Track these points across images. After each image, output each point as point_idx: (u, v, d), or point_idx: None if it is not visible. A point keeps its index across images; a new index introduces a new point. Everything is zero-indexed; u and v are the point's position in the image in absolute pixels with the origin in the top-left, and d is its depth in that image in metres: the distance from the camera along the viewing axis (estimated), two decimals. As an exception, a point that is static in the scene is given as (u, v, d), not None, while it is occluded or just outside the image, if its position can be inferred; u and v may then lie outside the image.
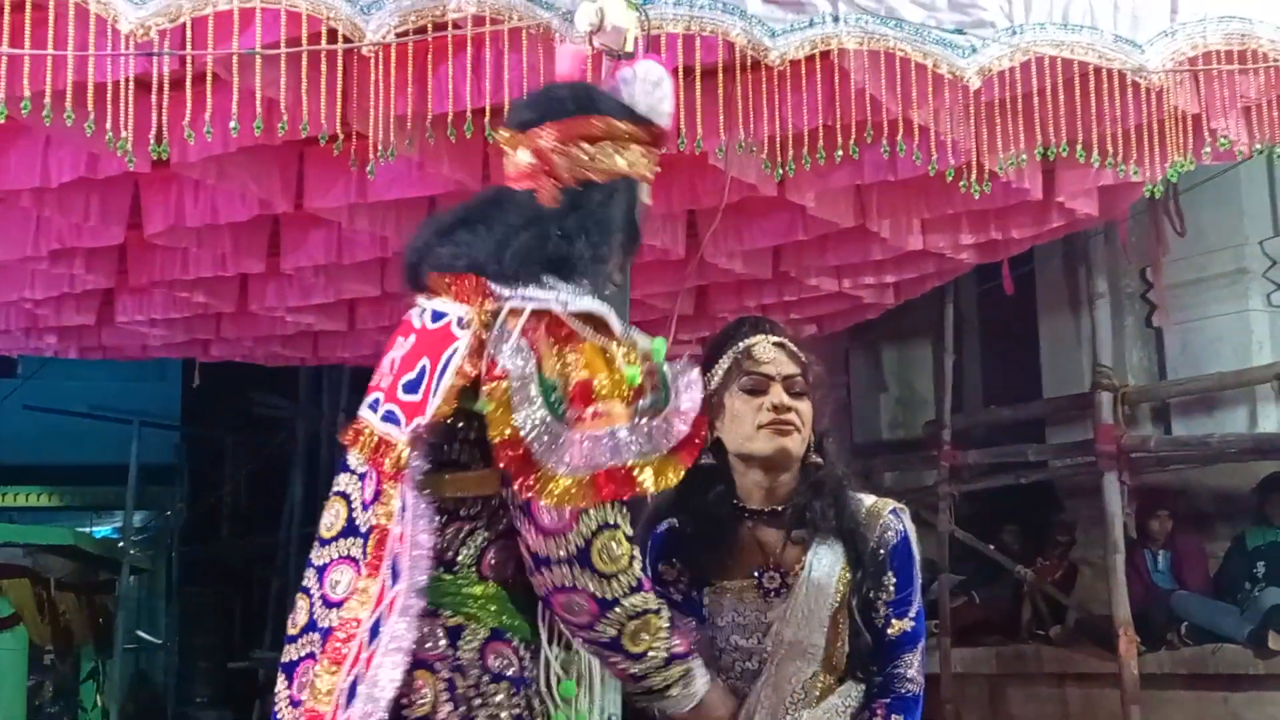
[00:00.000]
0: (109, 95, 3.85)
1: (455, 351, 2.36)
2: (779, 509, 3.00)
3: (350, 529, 2.45)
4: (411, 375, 2.41)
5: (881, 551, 2.97)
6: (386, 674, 2.27)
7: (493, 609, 2.41)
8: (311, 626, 2.42)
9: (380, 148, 4.26)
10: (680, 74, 4.06)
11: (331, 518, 2.48)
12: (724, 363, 3.02)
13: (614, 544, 2.30)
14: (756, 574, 2.96)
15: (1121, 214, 7.40)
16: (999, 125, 4.70)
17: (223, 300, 6.91)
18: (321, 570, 2.45)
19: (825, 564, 2.95)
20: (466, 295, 2.40)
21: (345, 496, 2.48)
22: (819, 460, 3.02)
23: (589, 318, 2.37)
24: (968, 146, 4.83)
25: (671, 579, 3.00)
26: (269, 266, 6.36)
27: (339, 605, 2.40)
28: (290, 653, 2.44)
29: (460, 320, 2.39)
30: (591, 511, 2.28)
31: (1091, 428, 8.36)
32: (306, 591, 2.46)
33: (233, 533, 15.33)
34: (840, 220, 6.04)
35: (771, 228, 6.26)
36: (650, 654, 2.37)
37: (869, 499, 3.06)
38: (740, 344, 3.02)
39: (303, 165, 5.45)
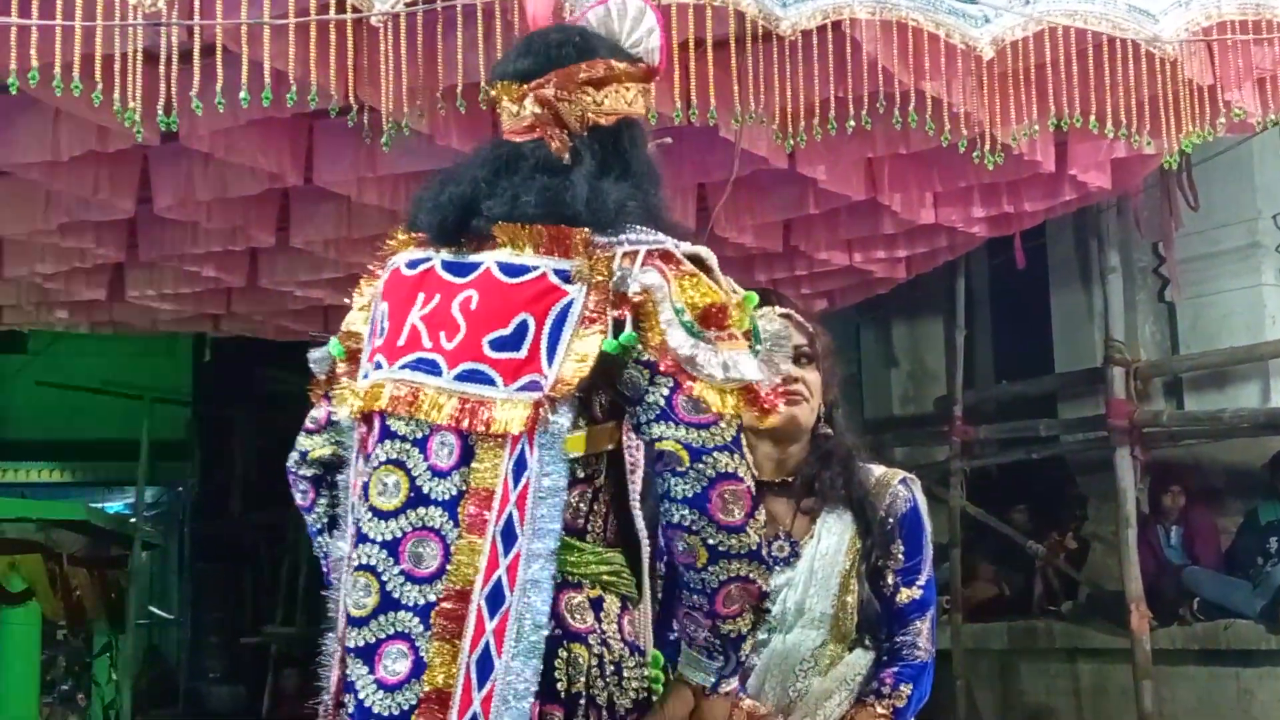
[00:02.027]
0: (117, 67, 3.84)
1: (571, 305, 2.29)
2: (789, 480, 3.01)
3: (419, 499, 2.32)
4: (505, 332, 2.30)
5: (890, 520, 2.98)
6: (528, 644, 2.22)
7: (624, 576, 2.39)
8: (392, 605, 2.30)
9: (391, 120, 4.24)
10: (691, 45, 4.04)
11: (388, 488, 2.34)
12: None
13: (734, 499, 2.26)
14: (767, 544, 2.95)
15: (1134, 188, 7.38)
16: (1012, 96, 4.68)
17: (233, 274, 6.91)
18: (393, 545, 2.31)
19: (834, 533, 2.97)
20: (562, 248, 2.32)
21: (400, 465, 2.34)
22: (829, 431, 3.04)
23: (694, 260, 2.34)
24: (980, 118, 4.81)
25: None
26: (279, 240, 6.35)
27: (433, 578, 2.28)
28: (364, 636, 2.30)
29: (560, 273, 2.31)
30: (733, 420, 2.25)
31: (1103, 402, 8.33)
32: (371, 570, 2.32)
33: (244, 508, 15.34)
34: (851, 193, 6.02)
35: (782, 201, 6.24)
36: (739, 619, 2.34)
37: (879, 469, 3.08)
38: None
39: (312, 138, 5.44)
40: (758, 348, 2.34)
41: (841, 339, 3.16)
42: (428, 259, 2.45)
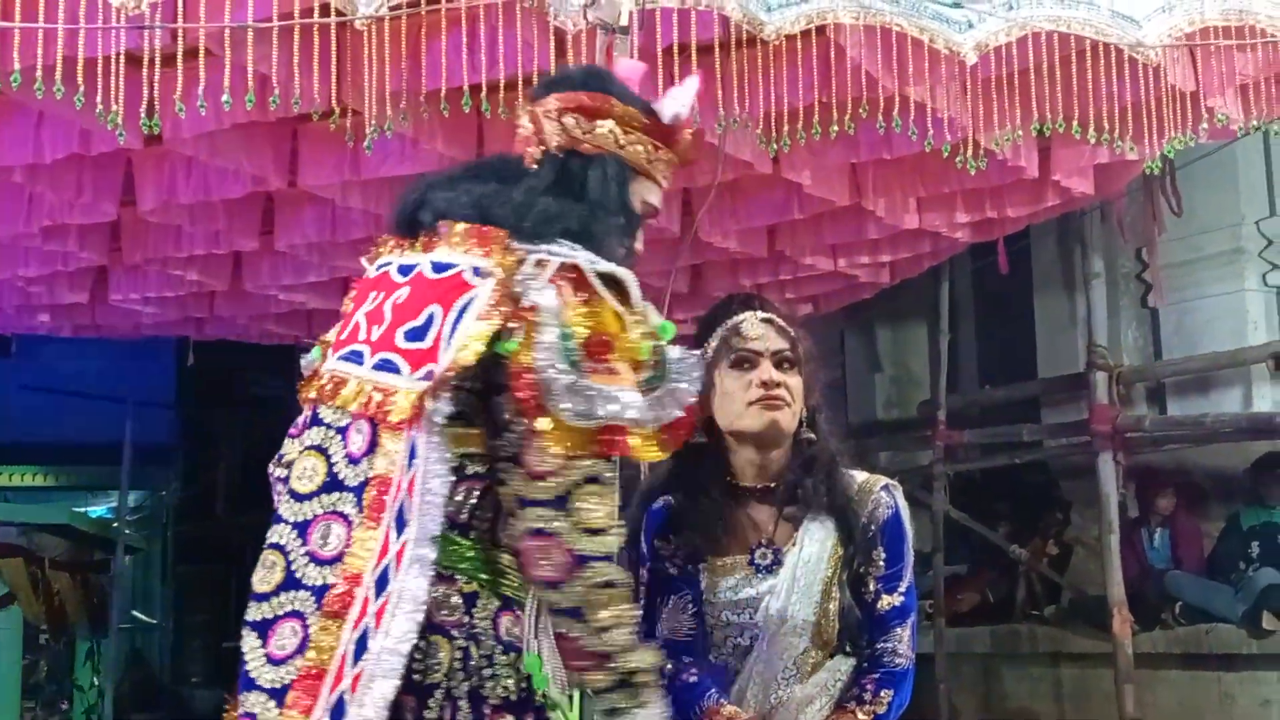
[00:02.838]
0: (100, 70, 3.83)
1: (474, 299, 2.33)
2: (771, 486, 3.00)
3: (334, 484, 2.39)
4: (416, 323, 2.37)
5: (873, 527, 2.97)
6: (401, 626, 2.26)
7: (505, 578, 2.40)
8: (293, 584, 2.36)
9: (374, 123, 4.23)
10: (675, 50, 4.05)
11: (308, 472, 2.42)
12: (714, 340, 3.02)
13: (597, 501, 2.27)
14: (749, 551, 2.97)
15: (1117, 193, 7.40)
16: (995, 102, 4.69)
17: (216, 278, 6.90)
18: (303, 527, 2.39)
19: (817, 540, 2.95)
20: (484, 247, 2.38)
21: (321, 450, 2.43)
22: (811, 436, 3.02)
23: (611, 281, 2.37)
24: (964, 123, 4.82)
25: (668, 555, 3.00)
26: (262, 244, 6.34)
27: (333, 561, 2.34)
28: (263, 610, 2.37)
29: (476, 270, 2.36)
30: (583, 462, 2.27)
31: (1086, 408, 8.35)
32: (280, 548, 2.40)
33: (228, 512, 15.28)
34: (836, 198, 6.03)
35: (767, 206, 6.24)
36: (616, 630, 2.29)
37: (861, 475, 3.06)
38: (729, 321, 3.02)
39: (296, 142, 5.43)
40: (664, 381, 2.37)
41: (826, 344, 3.16)
42: (390, 262, 2.52)
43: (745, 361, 2.97)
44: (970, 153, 4.86)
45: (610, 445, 2.28)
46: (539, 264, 2.34)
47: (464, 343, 2.31)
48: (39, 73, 3.68)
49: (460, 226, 2.42)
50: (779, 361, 2.97)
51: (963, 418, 9.54)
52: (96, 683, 12.38)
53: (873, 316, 10.53)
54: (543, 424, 2.25)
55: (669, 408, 2.37)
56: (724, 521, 2.99)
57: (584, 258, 2.36)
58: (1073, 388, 8.76)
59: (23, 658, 11.45)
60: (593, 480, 2.27)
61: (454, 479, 2.35)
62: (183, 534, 16.08)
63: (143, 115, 4.00)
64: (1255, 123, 5.22)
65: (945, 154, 5.13)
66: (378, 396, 2.36)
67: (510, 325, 2.30)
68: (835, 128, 4.58)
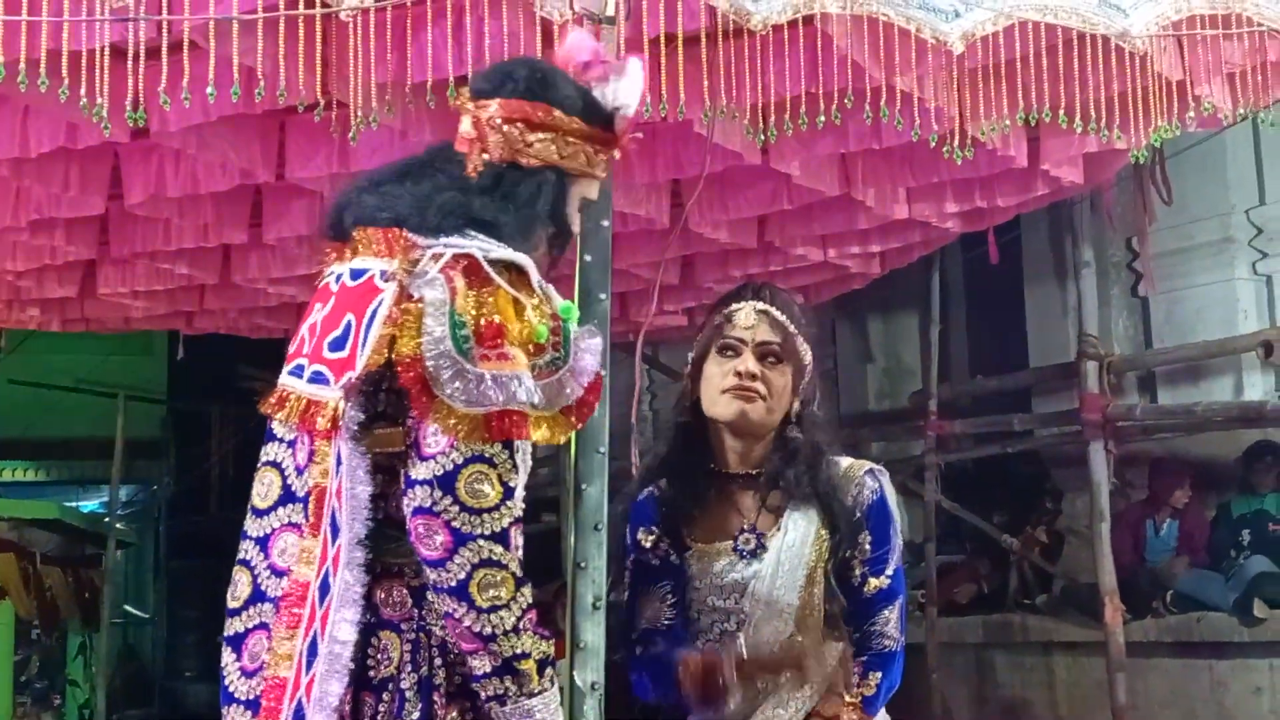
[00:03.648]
0: (84, 63, 3.81)
1: (381, 303, 2.36)
2: (755, 473, 3.04)
3: (287, 496, 2.45)
4: (337, 333, 2.41)
5: (857, 511, 3.00)
6: (344, 630, 2.29)
7: None
8: (259, 597, 2.43)
9: (361, 115, 4.22)
10: (662, 40, 4.03)
11: (264, 488, 2.49)
12: (709, 324, 3.07)
13: (484, 481, 2.28)
14: (733, 537, 3.00)
15: (1107, 182, 7.40)
16: (983, 91, 4.68)
17: (205, 271, 6.88)
18: (264, 541, 2.45)
19: (800, 527, 2.99)
20: (389, 248, 2.40)
21: (276, 465, 2.49)
22: (797, 435, 3.05)
23: (509, 267, 2.39)
24: (952, 113, 4.81)
25: (650, 544, 3.02)
26: (251, 237, 6.32)
27: (286, 572, 2.41)
28: (235, 625, 2.45)
29: (383, 273, 2.39)
30: (468, 442, 2.28)
31: (1077, 397, 8.36)
32: (247, 564, 2.46)
33: (220, 506, 15.27)
34: (825, 189, 6.02)
35: (756, 197, 6.23)
36: (499, 613, 2.28)
37: (845, 461, 3.09)
38: (726, 308, 3.06)
39: (284, 135, 5.41)
40: (567, 361, 2.40)
41: (817, 335, 3.16)
42: (333, 272, 2.55)
43: (730, 349, 3.01)
44: (959, 142, 4.84)
45: (503, 429, 2.29)
46: (434, 257, 2.36)
47: (372, 348, 2.33)
48: (23, 65, 3.66)
49: (371, 230, 2.44)
50: (764, 355, 3.00)
51: (954, 408, 9.55)
52: (89, 678, 12.38)
53: (864, 307, 10.54)
54: (432, 409, 2.27)
55: (570, 388, 2.40)
56: (709, 507, 3.02)
57: (477, 246, 2.37)
58: (1063, 377, 8.77)
59: (14, 653, 11.42)
60: (480, 460, 2.28)
61: (386, 483, 2.37)
62: (175, 528, 16.08)
63: (128, 108, 3.98)
64: (1243, 111, 5.22)
65: (934, 144, 5.12)
66: (311, 409, 2.40)
67: (401, 321, 2.32)
68: (823, 118, 4.56)
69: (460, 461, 2.27)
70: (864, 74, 4.55)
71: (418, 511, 2.27)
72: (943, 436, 9.20)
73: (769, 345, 2.99)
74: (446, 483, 2.26)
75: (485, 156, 2.50)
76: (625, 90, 2.59)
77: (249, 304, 7.62)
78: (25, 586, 11.01)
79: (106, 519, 12.91)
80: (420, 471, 2.28)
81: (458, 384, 2.27)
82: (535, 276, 2.41)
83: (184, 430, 15.78)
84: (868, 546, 2.99)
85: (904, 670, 3.09)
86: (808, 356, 3.07)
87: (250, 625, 2.42)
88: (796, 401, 3.04)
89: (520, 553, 2.38)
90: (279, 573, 2.41)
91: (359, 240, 2.47)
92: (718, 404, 2.99)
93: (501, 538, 2.28)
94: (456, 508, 2.26)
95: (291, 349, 2.53)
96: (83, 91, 3.79)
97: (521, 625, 2.31)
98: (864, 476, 3.04)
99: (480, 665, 2.31)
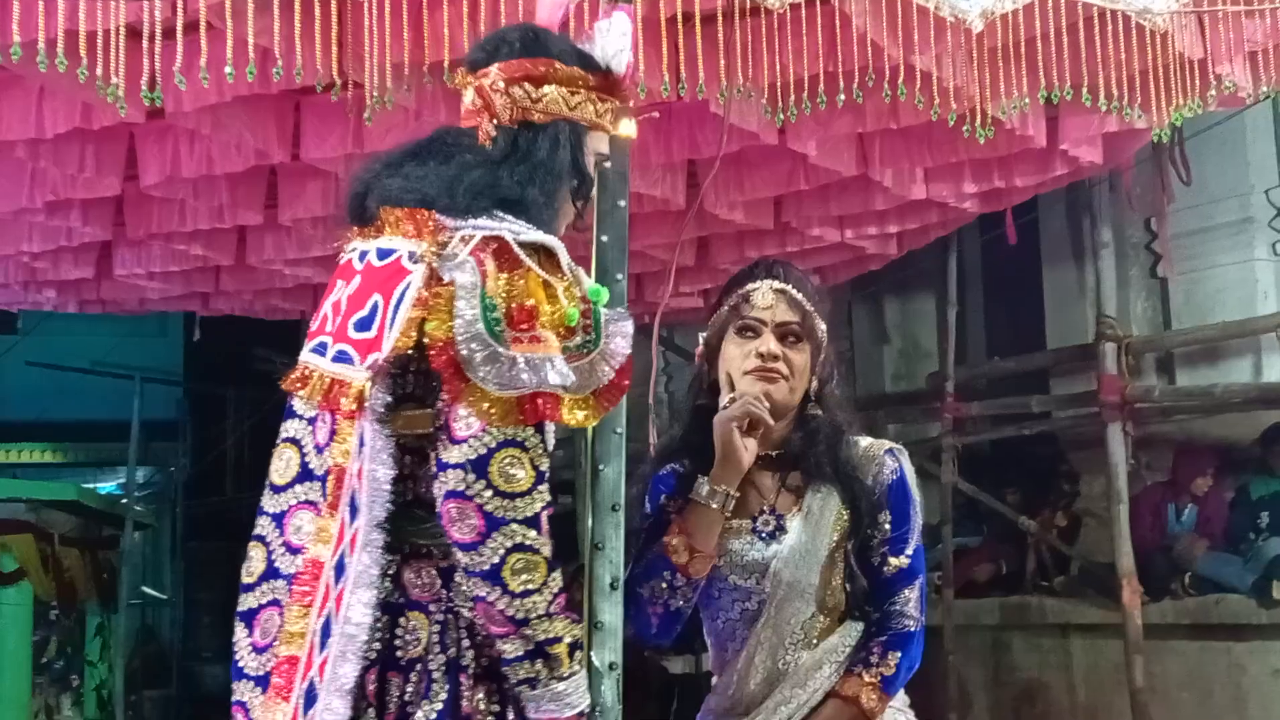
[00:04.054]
0: (100, 43, 3.81)
1: (409, 285, 2.35)
2: (775, 454, 3.02)
3: (305, 474, 2.45)
4: (363, 313, 2.39)
5: (877, 490, 2.98)
6: (358, 612, 2.28)
7: None
8: (273, 574, 2.43)
9: (376, 95, 4.21)
10: (679, 19, 4.01)
11: (283, 464, 2.48)
12: (725, 306, 3.05)
13: (516, 465, 2.27)
14: (752, 517, 2.99)
15: (1126, 163, 7.36)
16: (1002, 69, 4.64)
17: (221, 253, 6.88)
18: (279, 517, 2.45)
19: (821, 507, 2.97)
20: (417, 230, 2.39)
21: (296, 442, 2.48)
22: (817, 412, 3.03)
23: (539, 249, 2.38)
24: (971, 92, 4.77)
25: (675, 510, 2.99)
26: (266, 218, 6.32)
27: (301, 550, 2.40)
28: (248, 601, 2.44)
29: (411, 255, 2.38)
30: (501, 426, 2.27)
31: (1095, 379, 8.33)
32: (262, 540, 2.46)
33: (236, 487, 15.33)
34: (842, 169, 6.00)
35: (773, 177, 6.21)
36: (532, 598, 2.29)
37: (865, 440, 3.07)
38: (742, 288, 3.04)
39: (299, 115, 5.40)
40: (598, 345, 2.39)
41: (833, 316, 3.15)
42: (355, 249, 2.53)
43: (749, 330, 2.99)
44: (978, 122, 4.82)
45: (536, 412, 2.28)
46: (464, 240, 2.35)
47: (404, 332, 2.32)
48: (40, 46, 3.65)
49: (398, 211, 2.43)
50: (784, 334, 2.98)
51: (971, 389, 9.52)
52: (107, 658, 12.42)
53: (880, 288, 10.51)
54: (464, 392, 2.26)
55: (602, 370, 2.40)
56: None
57: (507, 228, 2.36)
58: (1081, 358, 8.74)
59: (33, 634, 11.45)
60: (512, 444, 2.27)
61: (415, 464, 2.37)
62: (192, 510, 16.12)
63: (144, 88, 3.97)
64: (1265, 90, 5.18)
65: (952, 123, 5.09)
66: (335, 388, 2.39)
67: (431, 304, 2.31)
68: (841, 97, 4.53)
69: (493, 445, 2.26)
70: (882, 53, 4.52)
71: (450, 495, 2.26)
72: (959, 418, 9.18)
73: (788, 325, 2.97)
74: (479, 466, 2.25)
75: (495, 122, 2.49)
76: (614, 40, 2.57)
77: (264, 285, 7.62)
78: (44, 567, 11.04)
79: (124, 500, 12.95)
80: (452, 455, 2.27)
81: (490, 367, 2.26)
82: (565, 259, 2.40)
83: (200, 412, 15.83)
84: (888, 526, 2.97)
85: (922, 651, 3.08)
86: (824, 334, 3.05)
87: (263, 601, 2.42)
88: (815, 380, 3.03)
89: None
90: (293, 550, 2.41)
91: (385, 220, 2.45)
92: (740, 385, 2.96)
93: (534, 522, 2.28)
94: (489, 492, 2.25)
95: (314, 326, 2.52)
96: (99, 72, 3.79)
97: (553, 609, 2.31)
98: (884, 456, 3.02)
99: (512, 649, 2.31)
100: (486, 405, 2.26)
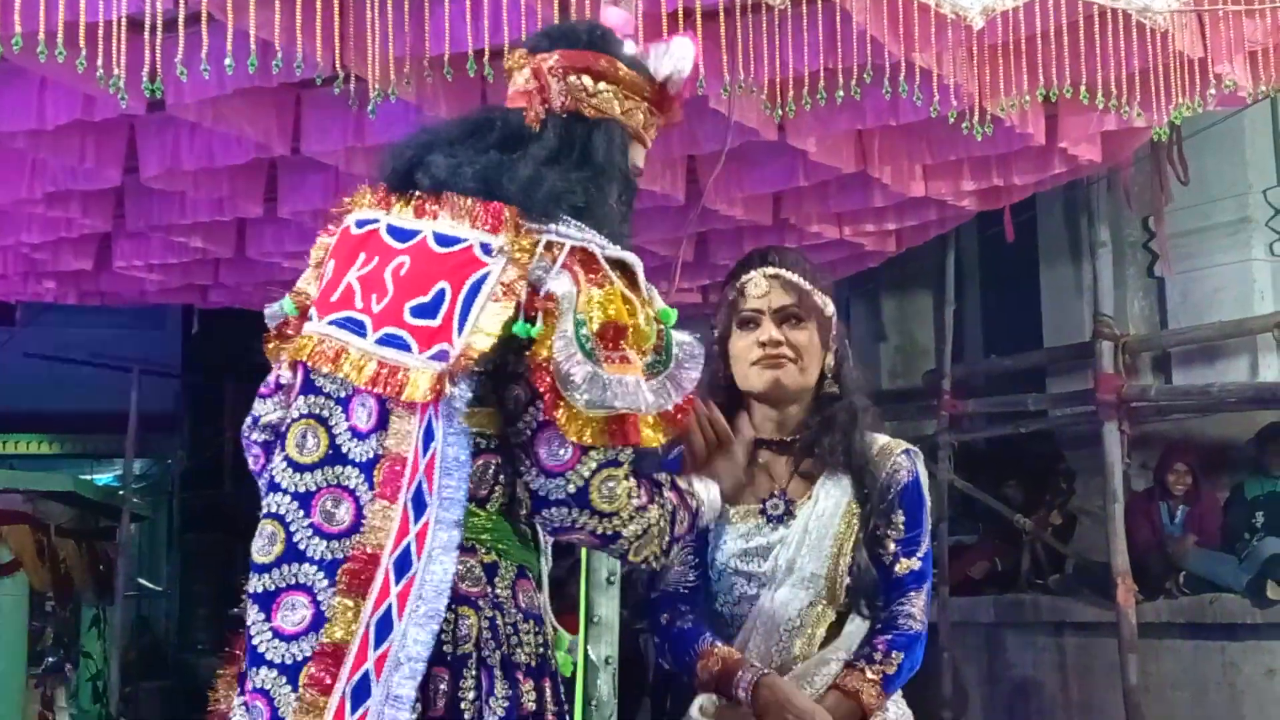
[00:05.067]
0: (101, 34, 3.81)
1: (486, 278, 2.30)
2: (789, 439, 3.03)
3: (337, 456, 2.37)
4: (425, 299, 2.33)
5: (891, 490, 2.99)
6: (428, 612, 2.26)
7: (519, 546, 2.42)
8: (297, 557, 2.35)
9: (378, 88, 4.21)
10: (680, 14, 4.02)
11: (309, 443, 2.40)
12: (725, 301, 3.06)
13: (614, 482, 2.28)
14: (762, 501, 2.99)
15: (1125, 161, 7.36)
16: (1002, 67, 4.66)
17: (220, 245, 6.88)
18: (305, 498, 2.37)
19: (832, 496, 2.98)
20: (493, 224, 2.34)
21: (322, 421, 2.41)
22: (835, 390, 3.04)
23: (620, 265, 2.35)
24: (970, 89, 4.78)
25: None
26: (266, 211, 6.31)
27: (342, 536, 2.33)
28: (264, 582, 2.37)
29: (485, 247, 2.33)
30: (594, 451, 2.26)
31: (1092, 377, 8.34)
32: (279, 519, 2.38)
33: (234, 480, 15.32)
34: (841, 166, 6.00)
35: (772, 174, 6.21)
36: (647, 535, 2.36)
37: (882, 438, 3.07)
38: (737, 281, 3.04)
39: (299, 108, 5.40)
40: (668, 366, 2.36)
41: (832, 288, 3.13)
42: (375, 220, 2.48)
43: (750, 322, 3.00)
44: (977, 119, 4.83)
45: (624, 435, 2.27)
46: (553, 246, 2.31)
47: (481, 326, 2.27)
48: (41, 37, 3.66)
49: (467, 200, 2.38)
50: (784, 318, 2.98)
51: (968, 387, 9.54)
52: (103, 650, 12.42)
53: (878, 286, 10.52)
54: (559, 415, 2.24)
55: (673, 393, 2.36)
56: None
57: (596, 242, 2.33)
58: (1078, 357, 8.75)
59: (29, 625, 11.45)
60: (607, 465, 2.27)
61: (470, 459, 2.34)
62: (189, 502, 16.12)
63: (145, 80, 3.97)
64: (1264, 89, 5.19)
65: (952, 121, 5.10)
66: (385, 373, 2.32)
67: (529, 313, 2.27)
68: (841, 94, 4.54)
69: (588, 475, 2.26)
70: (882, 50, 4.53)
71: (559, 530, 2.34)
72: (956, 416, 9.20)
73: (786, 308, 2.98)
74: (581, 499, 2.27)
75: (545, 107, 2.46)
76: (677, 59, 2.55)
77: (264, 278, 7.61)
78: (40, 558, 11.01)
79: (121, 492, 12.92)
80: (551, 490, 2.28)
81: (589, 387, 2.23)
82: (642, 277, 2.38)
83: (198, 405, 15.82)
84: (902, 526, 2.99)
85: (919, 652, 3.10)
86: (830, 309, 3.05)
87: (283, 584, 2.34)
88: (830, 356, 3.04)
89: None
90: (328, 535, 2.34)
91: (448, 204, 2.39)
92: (750, 377, 2.97)
93: (641, 510, 2.34)
94: (595, 520, 2.28)
95: (332, 298, 2.45)
96: (99, 63, 3.79)
97: (663, 544, 2.41)
98: (900, 456, 3.04)
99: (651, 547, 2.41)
100: (579, 425, 2.24)
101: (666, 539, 2.39)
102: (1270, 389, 8.06)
